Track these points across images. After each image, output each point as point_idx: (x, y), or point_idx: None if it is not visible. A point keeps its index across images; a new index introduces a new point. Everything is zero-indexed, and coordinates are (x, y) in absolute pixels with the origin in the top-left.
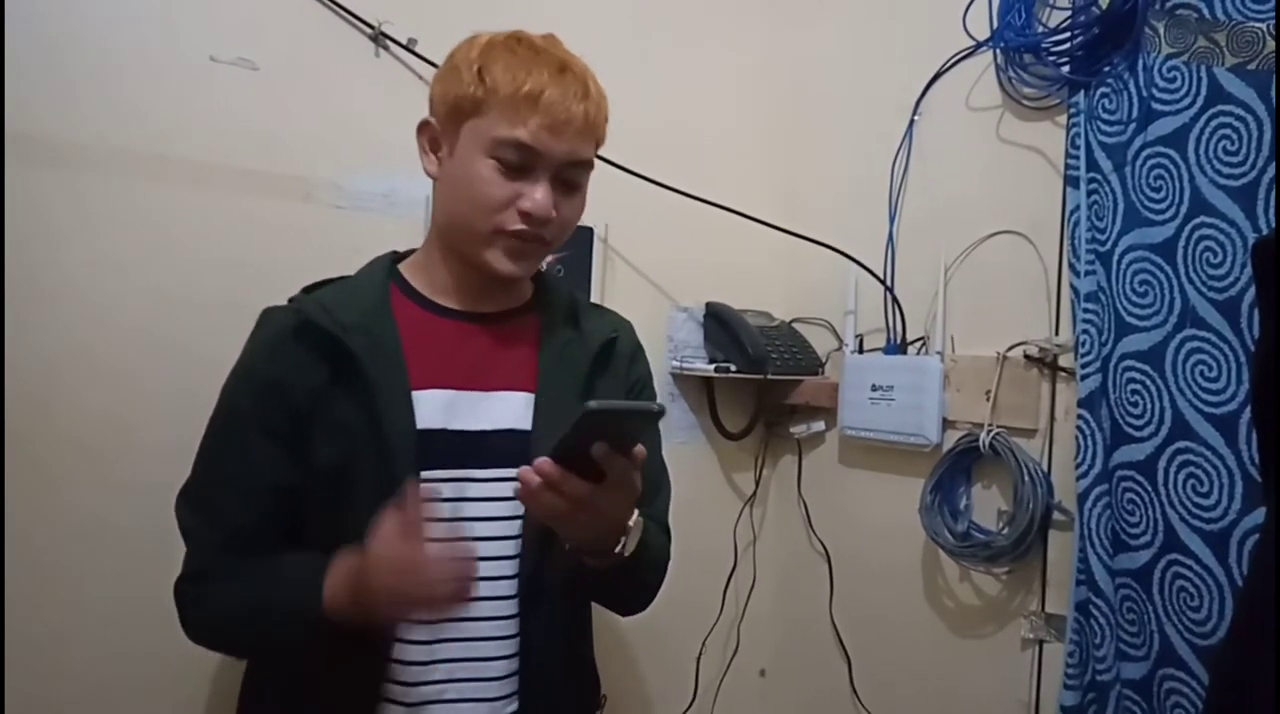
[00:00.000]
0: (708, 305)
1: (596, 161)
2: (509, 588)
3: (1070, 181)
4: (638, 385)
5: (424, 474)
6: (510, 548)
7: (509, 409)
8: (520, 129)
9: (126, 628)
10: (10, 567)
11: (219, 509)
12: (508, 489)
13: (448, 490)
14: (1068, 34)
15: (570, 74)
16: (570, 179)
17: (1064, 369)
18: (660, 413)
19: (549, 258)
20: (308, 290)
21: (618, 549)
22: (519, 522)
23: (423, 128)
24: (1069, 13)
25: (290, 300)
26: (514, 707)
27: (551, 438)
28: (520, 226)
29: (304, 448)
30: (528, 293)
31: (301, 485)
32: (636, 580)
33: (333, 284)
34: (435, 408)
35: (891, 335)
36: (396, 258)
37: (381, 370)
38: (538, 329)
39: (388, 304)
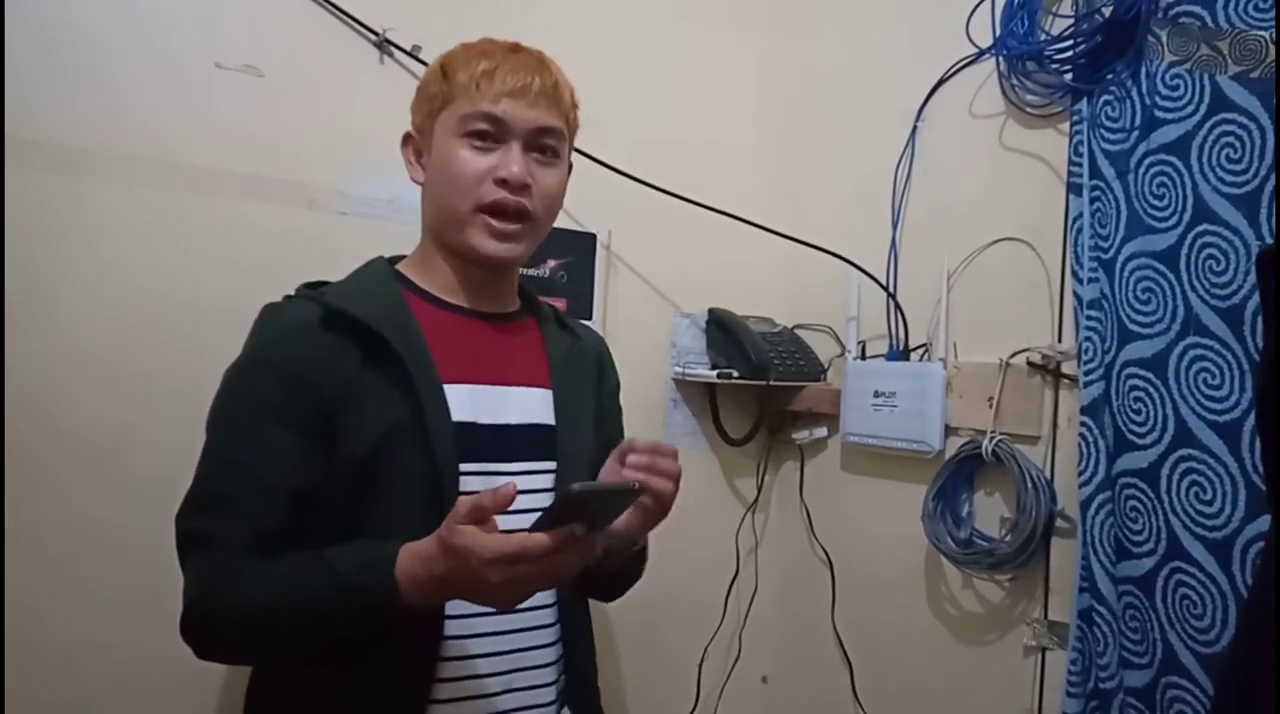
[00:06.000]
0: (710, 311)
1: (598, 167)
2: None
3: (1073, 189)
4: (616, 398)
5: (461, 467)
6: None
7: (531, 404)
8: (483, 102)
9: (131, 629)
10: (14, 569)
11: (240, 509)
12: (534, 481)
13: (478, 484)
14: (1070, 41)
15: (525, 52)
16: (543, 150)
17: (1067, 376)
18: (639, 491)
19: (551, 263)
20: (310, 287)
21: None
22: None
23: (406, 140)
24: (1072, 20)
25: (292, 297)
26: (553, 695)
27: (573, 433)
28: (499, 195)
29: (331, 440)
30: (517, 301)
31: (325, 481)
32: (628, 575)
33: (336, 284)
34: (464, 402)
35: (894, 342)
36: (392, 262)
37: (416, 362)
38: (536, 331)
39: (404, 301)
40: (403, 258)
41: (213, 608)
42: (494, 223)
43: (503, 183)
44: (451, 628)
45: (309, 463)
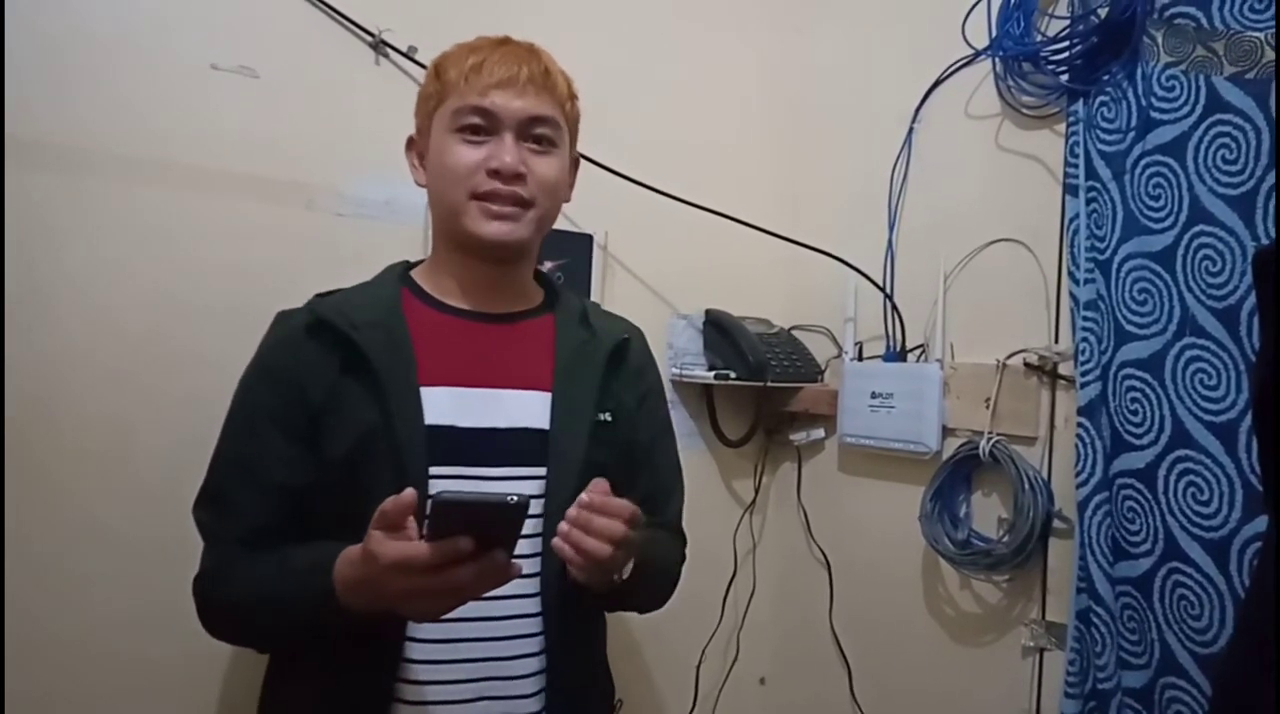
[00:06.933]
0: (707, 312)
1: (596, 168)
2: (532, 586)
3: (1069, 190)
4: (649, 396)
5: (433, 470)
6: (531, 546)
7: (525, 408)
8: (471, 95)
9: (132, 631)
10: (14, 571)
11: (235, 505)
12: (523, 488)
13: (450, 486)
14: (1066, 43)
15: (513, 43)
16: (539, 140)
17: (1064, 377)
18: (518, 506)
19: (547, 265)
20: (323, 295)
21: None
22: (540, 520)
23: (409, 144)
24: (1068, 21)
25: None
26: (537, 707)
27: (569, 437)
28: (492, 185)
29: (318, 442)
30: (538, 297)
31: (315, 481)
32: (639, 595)
33: (347, 288)
34: (443, 404)
35: (891, 343)
36: (409, 266)
37: (391, 367)
38: (551, 329)
39: (399, 305)
40: (424, 261)
41: (209, 594)
42: (490, 206)
43: (495, 173)
44: (419, 630)
45: (299, 464)
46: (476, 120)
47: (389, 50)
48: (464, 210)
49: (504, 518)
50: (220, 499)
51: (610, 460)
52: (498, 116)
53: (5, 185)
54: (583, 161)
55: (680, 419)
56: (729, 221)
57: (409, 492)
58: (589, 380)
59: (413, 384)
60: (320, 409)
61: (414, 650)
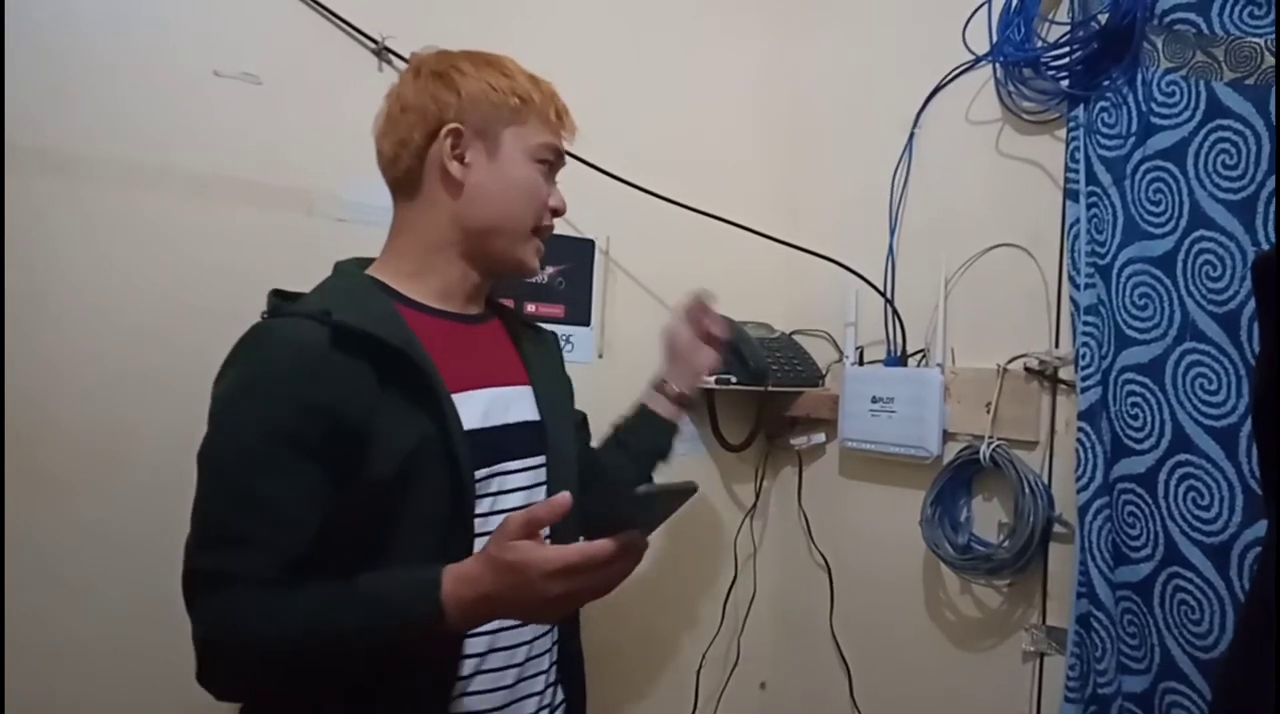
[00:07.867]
0: None
1: (598, 174)
2: None
3: (1070, 195)
4: (570, 383)
5: (475, 474)
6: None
7: (520, 401)
8: (558, 136)
9: (133, 631)
10: (14, 571)
11: (258, 541)
12: (529, 477)
13: (496, 485)
14: (1067, 48)
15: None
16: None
17: (1064, 381)
18: (695, 490)
19: (549, 270)
20: (281, 296)
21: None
22: None
23: (458, 134)
24: (1068, 27)
25: (285, 317)
26: (555, 678)
27: (557, 426)
28: (551, 222)
29: (350, 465)
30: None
31: (344, 506)
32: None
33: (315, 294)
34: (473, 408)
35: (892, 347)
36: (361, 266)
37: (434, 377)
38: (503, 329)
39: (398, 312)
40: (368, 261)
41: (238, 644)
42: (541, 242)
43: (554, 212)
44: (478, 630)
45: (326, 491)
46: (553, 159)
47: (392, 57)
48: (525, 239)
49: (678, 503)
50: (238, 539)
51: (578, 441)
52: (563, 159)
53: (6, 189)
54: (584, 167)
55: (681, 424)
56: (730, 226)
57: (565, 495)
58: (554, 375)
59: (446, 391)
60: (357, 430)
61: (469, 646)
